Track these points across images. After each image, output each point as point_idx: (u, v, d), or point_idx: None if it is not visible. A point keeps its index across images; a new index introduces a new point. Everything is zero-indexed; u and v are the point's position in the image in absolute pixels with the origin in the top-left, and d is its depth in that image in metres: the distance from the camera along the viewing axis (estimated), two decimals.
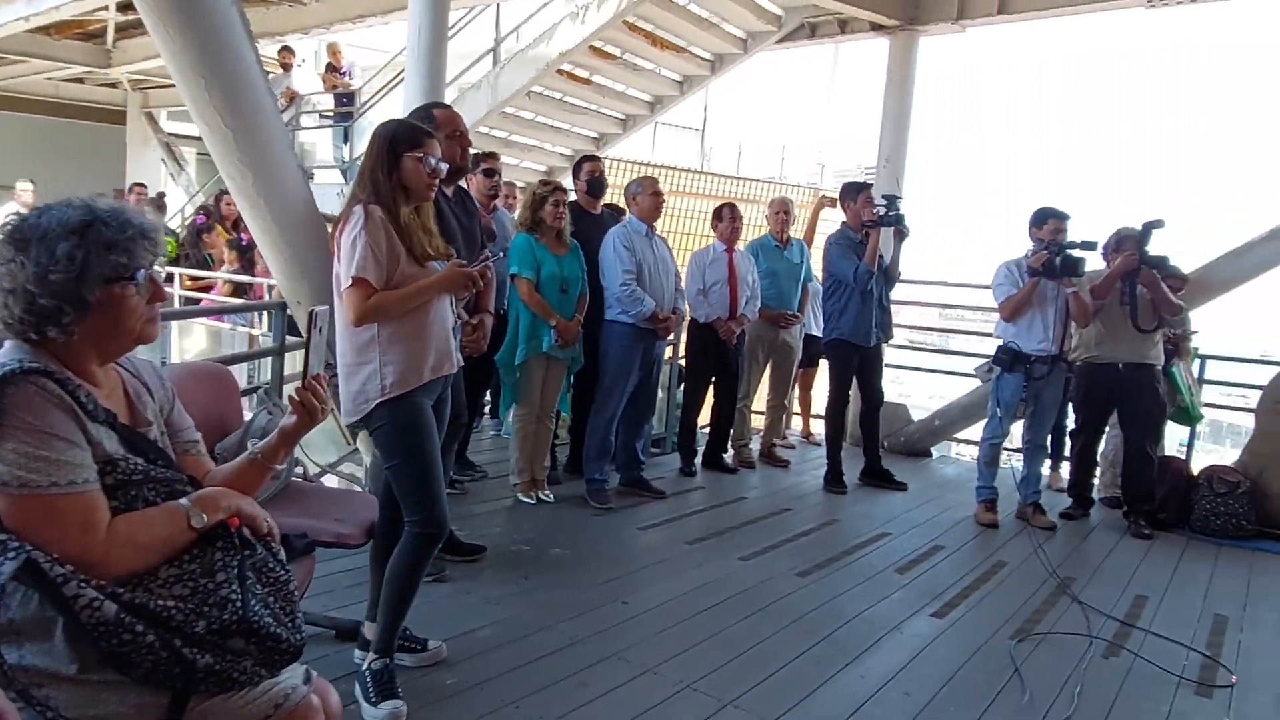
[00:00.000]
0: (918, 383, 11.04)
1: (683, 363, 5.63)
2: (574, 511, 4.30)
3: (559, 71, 6.65)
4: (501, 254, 4.43)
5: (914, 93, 6.58)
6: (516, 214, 4.74)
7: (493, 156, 4.77)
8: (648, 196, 4.49)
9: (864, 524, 4.48)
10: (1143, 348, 4.58)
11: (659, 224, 4.73)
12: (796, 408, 6.76)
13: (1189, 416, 5.15)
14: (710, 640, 2.94)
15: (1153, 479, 4.70)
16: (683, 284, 4.99)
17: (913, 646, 2.99)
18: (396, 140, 2.27)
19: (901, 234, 5.07)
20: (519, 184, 6.97)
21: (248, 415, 2.84)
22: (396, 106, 5.42)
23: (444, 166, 2.36)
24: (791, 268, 5.61)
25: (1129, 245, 4.59)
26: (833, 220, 7.14)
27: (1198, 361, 5.37)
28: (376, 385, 2.27)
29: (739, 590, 3.40)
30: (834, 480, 5.13)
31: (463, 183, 4.63)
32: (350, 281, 2.20)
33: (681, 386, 5.61)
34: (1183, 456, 5.18)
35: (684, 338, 5.45)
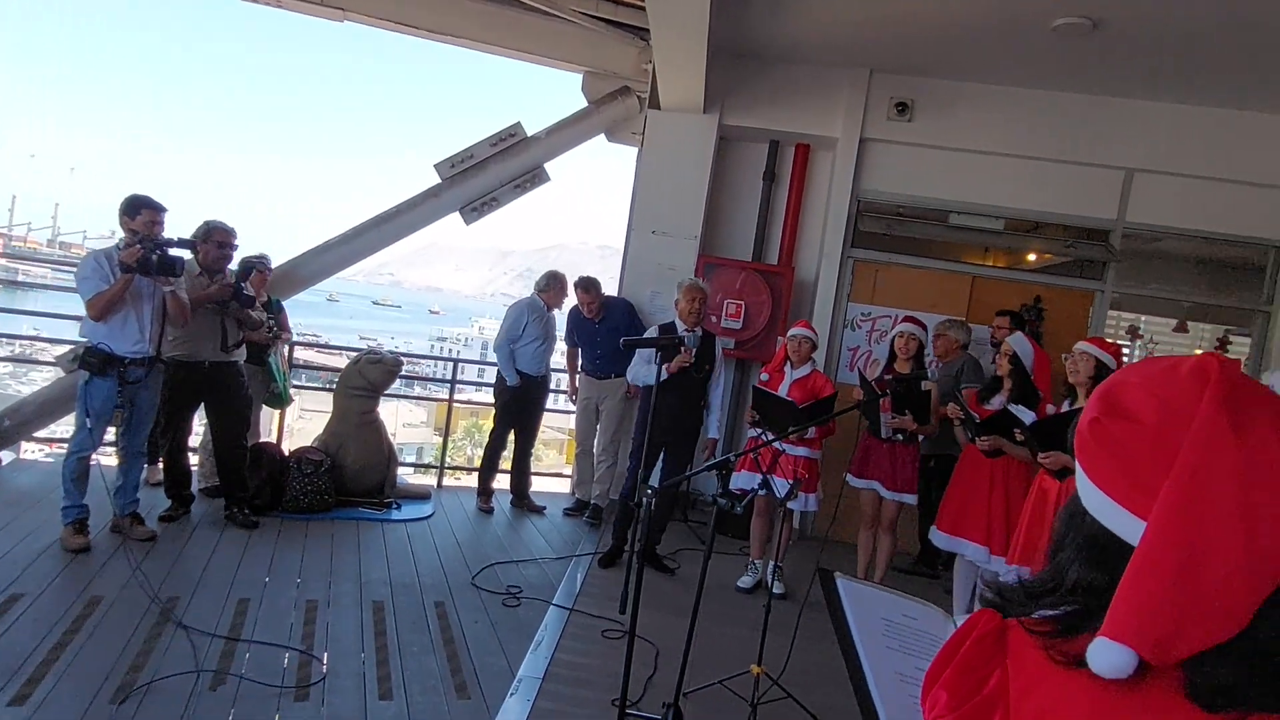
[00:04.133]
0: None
1: None
2: None
3: None
4: None
5: None
6: None
7: None
8: None
9: None
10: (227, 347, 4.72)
11: None
12: None
13: (282, 400, 5.59)
14: None
15: (244, 468, 4.92)
16: None
17: None
18: None
19: None
20: None
21: None
22: None
23: None
24: None
25: (218, 236, 4.65)
26: None
27: (286, 349, 5.84)
28: None
29: None
30: None
31: None
32: None
33: None
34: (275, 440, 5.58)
35: None
